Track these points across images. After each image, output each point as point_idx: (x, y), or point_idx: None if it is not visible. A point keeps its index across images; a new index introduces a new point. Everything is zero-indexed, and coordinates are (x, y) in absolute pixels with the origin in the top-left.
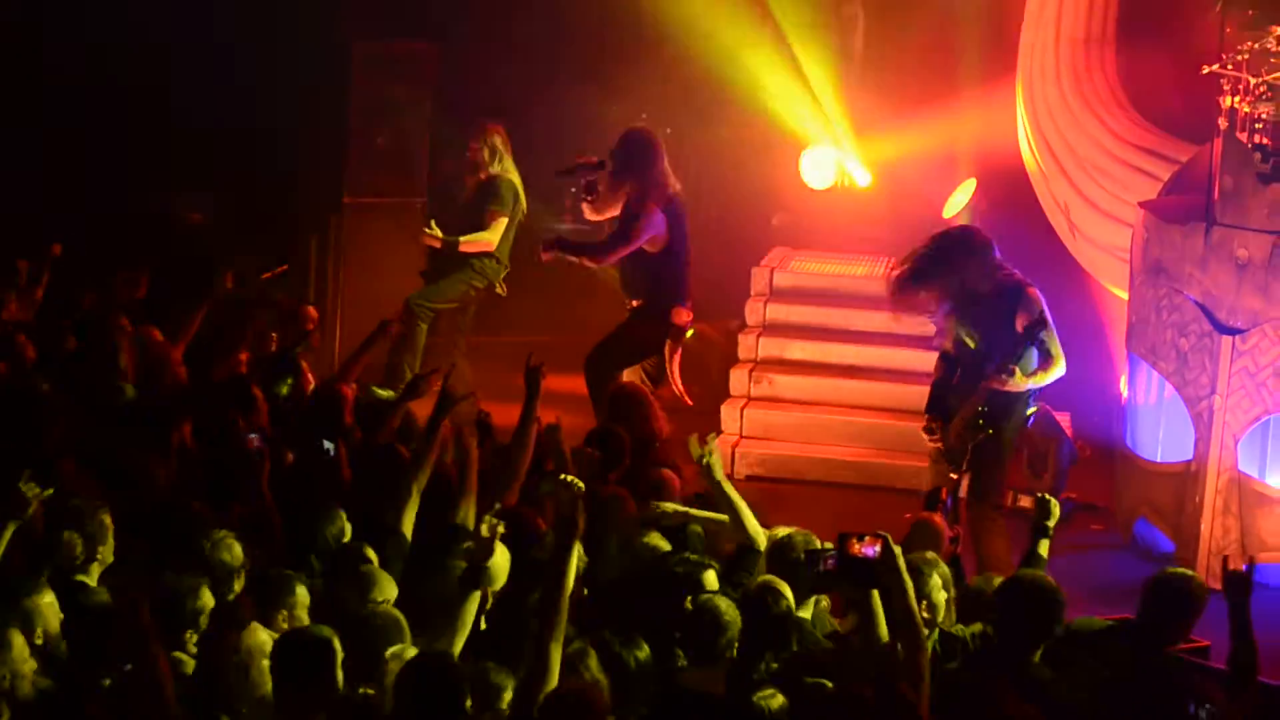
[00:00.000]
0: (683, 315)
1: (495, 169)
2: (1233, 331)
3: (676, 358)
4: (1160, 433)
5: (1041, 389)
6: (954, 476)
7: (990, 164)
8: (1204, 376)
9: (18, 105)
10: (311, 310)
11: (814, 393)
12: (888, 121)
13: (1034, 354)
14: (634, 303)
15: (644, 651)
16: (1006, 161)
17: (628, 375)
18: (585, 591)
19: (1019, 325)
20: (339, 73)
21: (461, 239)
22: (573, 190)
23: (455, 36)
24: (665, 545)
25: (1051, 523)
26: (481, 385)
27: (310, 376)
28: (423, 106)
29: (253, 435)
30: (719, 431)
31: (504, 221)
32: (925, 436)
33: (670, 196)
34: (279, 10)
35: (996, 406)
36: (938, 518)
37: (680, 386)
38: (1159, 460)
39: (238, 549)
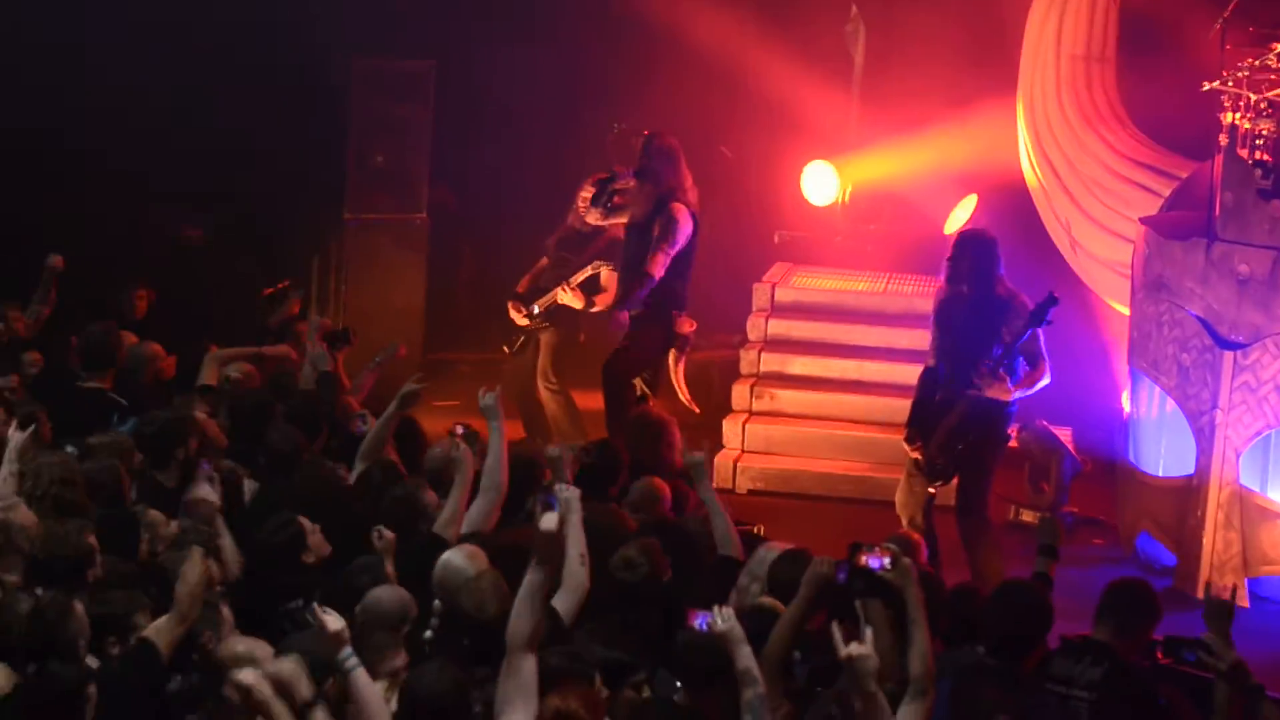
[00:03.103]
0: (686, 325)
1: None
2: (1234, 346)
3: (681, 366)
4: (1162, 447)
5: (1023, 399)
6: (932, 491)
7: (991, 180)
8: (1205, 391)
9: (14, 120)
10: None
11: (815, 407)
12: (889, 137)
13: (1019, 364)
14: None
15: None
16: (1008, 177)
17: None
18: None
19: (1006, 337)
20: (339, 90)
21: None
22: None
23: (454, 53)
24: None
25: (1056, 543)
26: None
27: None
28: (423, 123)
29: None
30: (721, 445)
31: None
32: (906, 446)
33: (696, 204)
34: (279, 27)
35: (979, 416)
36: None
37: (687, 395)
38: (1161, 475)
39: None
